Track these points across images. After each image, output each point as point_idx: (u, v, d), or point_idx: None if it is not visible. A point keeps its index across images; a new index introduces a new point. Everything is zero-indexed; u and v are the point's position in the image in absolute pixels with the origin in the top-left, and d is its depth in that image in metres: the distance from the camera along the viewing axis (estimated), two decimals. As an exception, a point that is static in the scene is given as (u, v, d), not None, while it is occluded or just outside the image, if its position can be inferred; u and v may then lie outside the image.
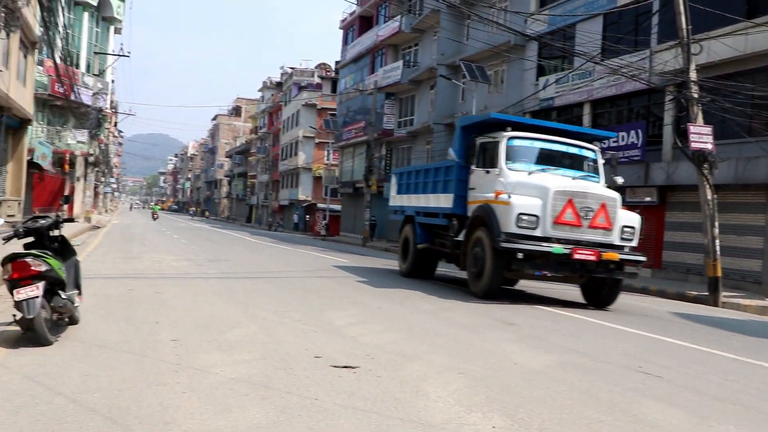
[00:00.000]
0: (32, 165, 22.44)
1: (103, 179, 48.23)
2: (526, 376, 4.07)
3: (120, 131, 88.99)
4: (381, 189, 30.24)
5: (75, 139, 29.44)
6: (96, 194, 47.38)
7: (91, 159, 27.68)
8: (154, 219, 43.25)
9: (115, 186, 79.88)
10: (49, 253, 4.61)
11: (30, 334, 4.42)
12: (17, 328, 4.72)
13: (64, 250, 5.01)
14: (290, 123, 50.08)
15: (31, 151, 22.81)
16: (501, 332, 5.79)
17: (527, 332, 5.88)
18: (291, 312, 6.36)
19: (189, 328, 5.26)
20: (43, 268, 4.42)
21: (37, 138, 26.14)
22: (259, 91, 64.56)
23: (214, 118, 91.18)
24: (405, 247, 11.06)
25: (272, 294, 7.68)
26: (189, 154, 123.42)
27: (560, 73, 18.49)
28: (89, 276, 8.27)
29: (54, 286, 4.61)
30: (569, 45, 17.21)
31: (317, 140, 45.75)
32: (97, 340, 4.68)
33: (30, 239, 4.85)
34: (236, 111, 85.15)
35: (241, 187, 68.44)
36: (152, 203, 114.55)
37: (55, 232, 4.95)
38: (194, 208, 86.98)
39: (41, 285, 4.36)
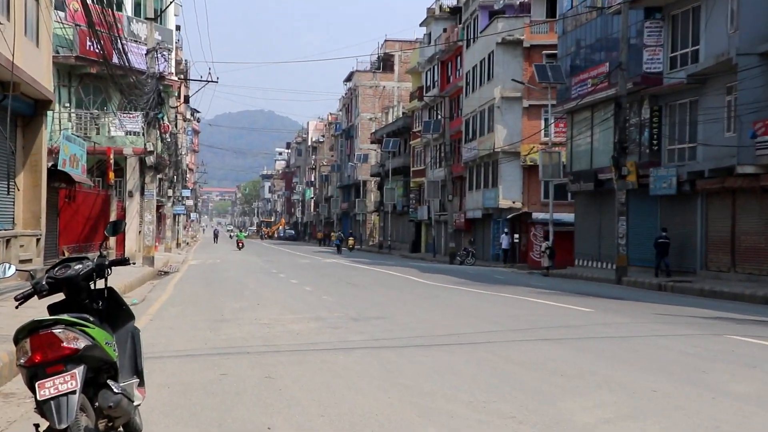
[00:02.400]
0: (56, 175, 22.76)
1: (171, 192, 54.43)
2: None
3: (195, 111, 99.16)
4: (645, 180, 29.69)
5: (122, 129, 32.55)
6: (161, 218, 53.30)
7: (151, 160, 29.54)
8: (239, 248, 56.11)
9: (190, 202, 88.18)
10: (91, 319, 4.88)
11: None
12: (14, 420, 5.26)
13: (114, 312, 5.33)
14: (478, 76, 51.45)
15: (53, 152, 24.38)
16: None
17: None
18: (496, 402, 6.78)
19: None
20: (82, 344, 4.63)
21: (62, 130, 29.36)
22: (422, 25, 67.38)
23: (349, 78, 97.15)
24: None
25: (462, 372, 8.18)
26: (310, 142, 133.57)
27: None
28: (155, 354, 9.29)
29: (99, 373, 4.85)
30: None
31: (526, 103, 46.37)
32: None
33: (59, 297, 5.12)
34: (385, 63, 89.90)
35: (399, 193, 71.81)
36: (234, 230, 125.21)
37: (99, 284, 5.24)
38: (323, 233, 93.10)
39: (79, 372, 4.55)
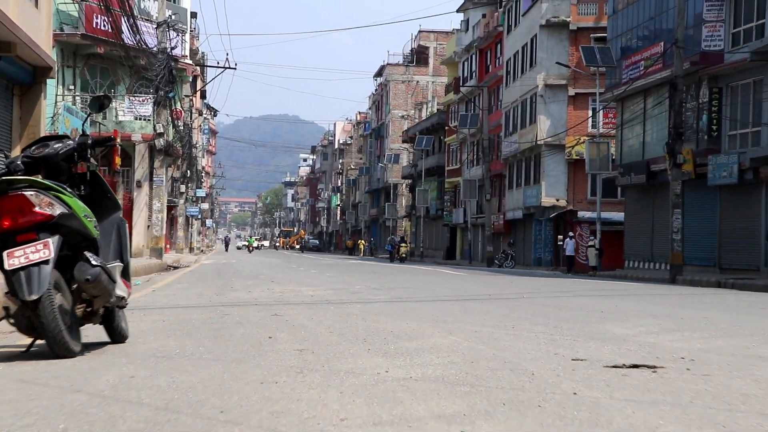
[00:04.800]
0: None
1: (183, 189, 54.71)
2: None
3: (212, 109, 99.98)
4: (703, 169, 29.30)
5: (131, 113, 32.70)
6: (173, 221, 53.72)
7: (161, 143, 29.79)
8: (250, 251, 53.06)
9: (206, 205, 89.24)
10: (68, 190, 4.76)
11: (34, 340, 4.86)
12: (11, 331, 5.35)
13: (99, 200, 5.17)
14: (520, 63, 51.30)
15: (52, 122, 24.13)
16: None
17: None
18: (526, 324, 6.77)
19: (328, 340, 6.18)
20: (57, 210, 4.49)
21: (62, 102, 29.37)
22: (460, 11, 67.35)
23: (380, 73, 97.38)
24: None
25: (491, 311, 8.00)
26: (337, 145, 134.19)
27: None
28: (154, 307, 9.77)
29: (77, 252, 4.71)
30: None
31: (572, 91, 46.15)
32: (160, 351, 5.61)
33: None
34: (419, 56, 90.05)
35: (433, 196, 71.80)
36: (244, 240, 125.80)
37: (82, 168, 5.13)
38: (352, 241, 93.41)
39: (53, 242, 4.42)
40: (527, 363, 5.26)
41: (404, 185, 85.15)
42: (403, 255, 56.13)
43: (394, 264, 45.61)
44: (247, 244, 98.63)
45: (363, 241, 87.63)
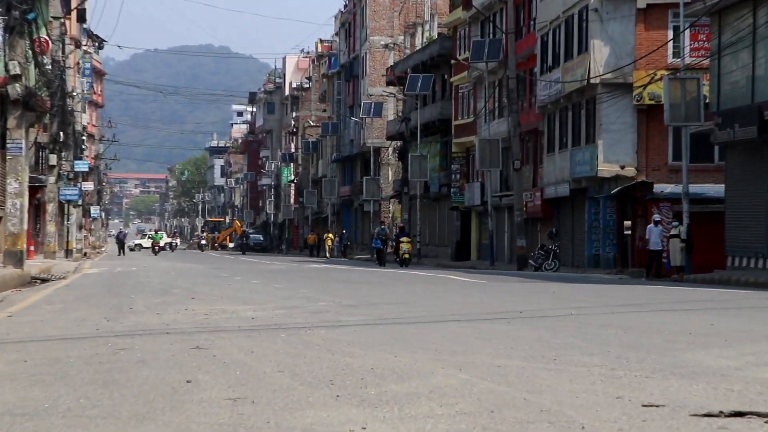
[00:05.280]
0: None
1: (55, 161, 53.90)
2: None
3: (96, 38, 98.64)
4: None
5: None
6: (39, 208, 53.74)
7: (17, 91, 29.65)
8: (155, 252, 49.72)
9: (90, 185, 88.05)
10: None
11: None
12: None
13: None
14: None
15: None
16: None
17: None
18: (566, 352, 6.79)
19: (276, 383, 6.41)
20: None
21: None
22: None
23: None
24: None
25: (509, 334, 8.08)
26: (288, 91, 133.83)
27: None
28: (15, 338, 9.96)
29: None
30: None
31: (642, 2, 45.96)
32: (19, 407, 5.67)
33: None
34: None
35: (434, 165, 71.64)
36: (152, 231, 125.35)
37: None
38: (314, 236, 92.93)
39: None
40: (575, 412, 5.29)
41: (391, 150, 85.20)
42: (407, 255, 54.65)
43: (387, 269, 45.59)
44: (150, 240, 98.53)
45: (330, 235, 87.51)
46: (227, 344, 9.15)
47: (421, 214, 71.66)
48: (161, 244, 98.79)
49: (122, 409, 5.54)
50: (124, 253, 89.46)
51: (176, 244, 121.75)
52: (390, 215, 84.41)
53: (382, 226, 66.38)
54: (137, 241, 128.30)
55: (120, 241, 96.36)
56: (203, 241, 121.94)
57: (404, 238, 56.12)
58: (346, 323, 11.51)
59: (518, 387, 6.27)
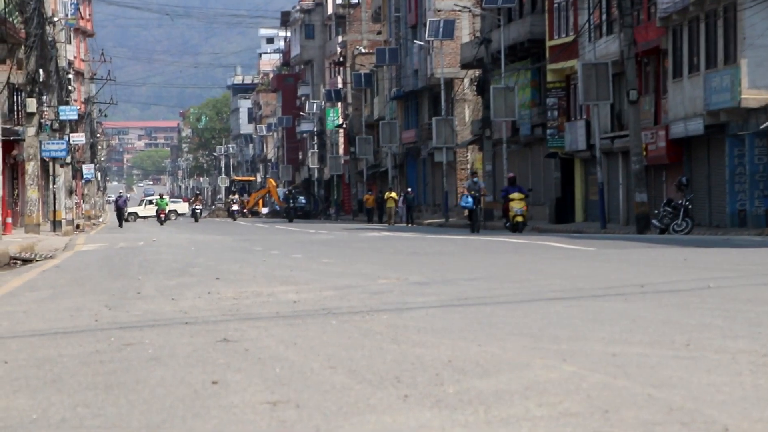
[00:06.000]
0: None
1: (35, 108, 54.24)
2: None
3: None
4: None
5: None
6: (16, 167, 52.69)
7: None
8: (161, 222, 51.31)
9: (81, 139, 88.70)
10: None
11: None
12: None
13: None
14: None
15: None
16: None
17: None
18: None
19: (327, 383, 6.57)
20: None
21: None
22: None
23: None
24: None
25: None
26: (331, 9, 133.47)
27: None
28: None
29: None
30: None
31: None
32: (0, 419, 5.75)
33: None
34: None
35: (525, 100, 71.49)
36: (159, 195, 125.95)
37: None
38: (372, 197, 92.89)
39: None
40: (716, 410, 5.31)
41: (466, 81, 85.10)
42: (520, 218, 53.11)
43: (480, 236, 45.55)
44: (159, 208, 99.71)
45: (393, 194, 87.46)
46: (263, 335, 9.25)
47: (509, 164, 71.56)
48: (166, 209, 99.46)
49: (131, 418, 5.61)
50: (121, 225, 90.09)
51: (200, 210, 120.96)
52: (468, 166, 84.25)
53: (475, 179, 62.45)
54: (133, 209, 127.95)
55: (119, 209, 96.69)
56: (234, 206, 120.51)
57: (515, 194, 54.23)
58: (414, 305, 11.56)
59: (640, 380, 6.31)
